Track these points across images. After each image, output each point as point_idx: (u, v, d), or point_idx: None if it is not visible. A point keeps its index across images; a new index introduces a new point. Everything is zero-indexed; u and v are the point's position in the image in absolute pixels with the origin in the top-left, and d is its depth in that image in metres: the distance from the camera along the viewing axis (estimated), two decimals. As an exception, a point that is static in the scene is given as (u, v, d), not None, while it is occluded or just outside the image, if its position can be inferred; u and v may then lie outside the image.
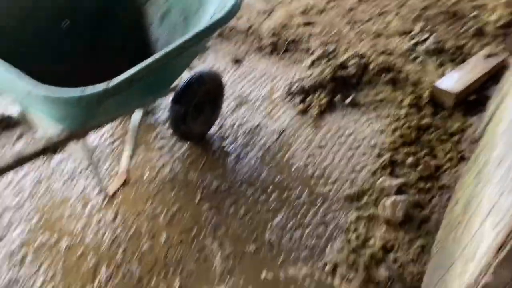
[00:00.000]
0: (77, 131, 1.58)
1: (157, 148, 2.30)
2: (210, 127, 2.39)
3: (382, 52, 2.94)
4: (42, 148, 1.47)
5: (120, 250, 1.78)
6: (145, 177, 2.13)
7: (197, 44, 1.70)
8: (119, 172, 2.07)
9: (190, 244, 1.84)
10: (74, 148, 1.85)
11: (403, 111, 2.49)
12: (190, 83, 2.06)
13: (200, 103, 2.18)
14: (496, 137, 1.45)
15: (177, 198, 2.04)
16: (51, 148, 1.51)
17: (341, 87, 2.68)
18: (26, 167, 2.10)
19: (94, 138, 2.33)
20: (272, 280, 1.72)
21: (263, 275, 1.74)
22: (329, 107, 2.58)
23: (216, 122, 2.43)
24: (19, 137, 2.24)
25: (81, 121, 1.50)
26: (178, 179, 2.13)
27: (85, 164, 2.15)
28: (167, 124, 2.45)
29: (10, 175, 2.05)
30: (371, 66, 2.79)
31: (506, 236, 0.88)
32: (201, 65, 2.88)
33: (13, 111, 2.35)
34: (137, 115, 1.99)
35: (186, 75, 2.09)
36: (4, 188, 1.99)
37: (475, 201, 1.31)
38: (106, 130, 2.40)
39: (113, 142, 2.34)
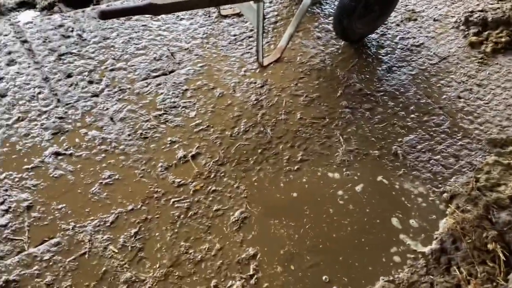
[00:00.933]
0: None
1: (314, 38, 2.37)
2: (371, 32, 2.36)
3: None
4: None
5: (260, 112, 1.99)
6: (297, 59, 2.25)
7: None
8: (277, 47, 2.22)
9: (319, 129, 1.96)
10: (248, 13, 2.01)
11: None
12: (370, -22, 2.01)
13: (371, 3, 2.14)
14: None
15: (319, 87, 2.14)
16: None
17: (530, 30, 2.36)
18: (202, 20, 2.36)
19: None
20: (386, 185, 1.79)
21: (378, 178, 1.81)
22: (506, 48, 2.32)
23: (379, 30, 2.38)
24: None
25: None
26: (325, 71, 2.21)
27: (250, 33, 2.34)
28: (330, 18, 2.48)
29: (188, 23, 2.33)
30: None
31: None
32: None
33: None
34: (307, 0, 2.05)
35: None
36: (183, 31, 2.29)
37: None
38: (271, 10, 2.53)
39: (276, 22, 2.47)
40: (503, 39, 2.32)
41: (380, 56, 2.30)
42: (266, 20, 2.45)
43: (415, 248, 1.59)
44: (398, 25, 2.47)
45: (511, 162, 1.84)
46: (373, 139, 1.95)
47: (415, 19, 2.51)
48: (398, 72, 2.23)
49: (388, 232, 1.63)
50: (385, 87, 2.17)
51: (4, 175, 1.60)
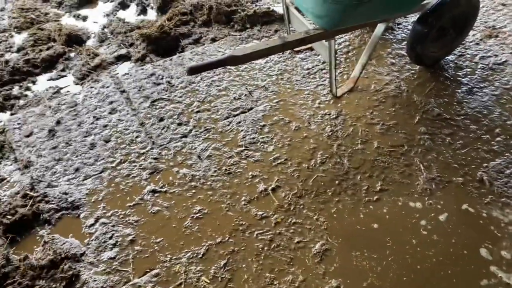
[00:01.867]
0: (329, 30, 1.80)
1: (388, 64, 2.38)
2: (447, 54, 2.31)
3: None
4: (302, 37, 1.75)
5: (336, 143, 2.04)
6: (371, 88, 2.27)
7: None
8: (350, 77, 2.27)
9: (398, 158, 1.95)
10: (320, 48, 2.10)
11: None
12: (442, 3, 2.00)
13: (445, 27, 2.11)
14: None
15: (396, 114, 2.14)
16: (308, 40, 1.78)
17: None
18: (276, 58, 2.50)
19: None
20: (472, 214, 1.73)
21: (463, 207, 1.75)
22: None
23: (456, 51, 2.32)
24: (276, 32, 2.65)
25: (336, 21, 1.70)
26: (401, 98, 2.20)
27: (322, 65, 2.42)
28: (403, 43, 2.48)
29: (263, 62, 2.49)
30: None
31: None
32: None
33: (277, 8, 2.77)
34: (380, 27, 2.09)
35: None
36: (257, 71, 2.45)
37: None
38: (343, 40, 2.59)
39: (348, 52, 2.53)
40: None
41: (459, 78, 2.24)
42: (338, 50, 2.52)
43: (508, 281, 1.51)
44: (477, 43, 2.39)
45: None
46: (455, 165, 1.90)
47: (496, 36, 2.40)
48: (480, 93, 2.15)
49: (477, 263, 1.57)
50: (466, 110, 2.10)
51: (111, 212, 1.83)
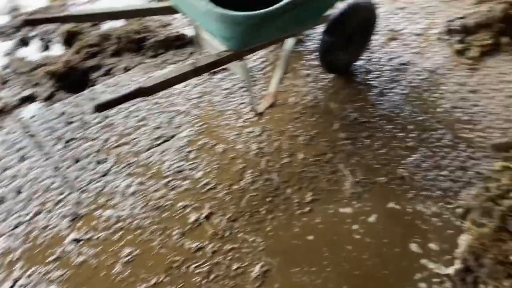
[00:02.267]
0: (239, 50, 1.80)
1: (303, 76, 2.44)
2: (356, 60, 2.42)
3: None
4: (213, 61, 1.73)
5: (263, 160, 2.03)
6: (290, 101, 2.31)
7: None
8: (268, 93, 2.29)
9: (323, 166, 1.99)
10: (235, 68, 2.09)
11: None
12: (344, 13, 2.09)
13: (351, 34, 2.21)
14: None
15: (316, 124, 2.18)
16: (220, 63, 1.76)
17: (511, 28, 2.40)
18: (194, 81, 2.46)
19: (249, 62, 2.57)
20: (399, 211, 1.80)
21: (390, 205, 1.82)
22: (491, 50, 2.35)
23: (364, 55, 2.44)
24: (190, 55, 2.61)
25: (244, 41, 1.70)
26: (319, 107, 2.26)
27: (241, 83, 2.42)
28: (315, 54, 2.55)
29: (181, 86, 2.43)
30: (556, 5, 2.40)
31: None
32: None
33: (188, 32, 2.73)
34: (289, 42, 2.13)
35: (340, 5, 2.12)
36: (176, 97, 2.39)
37: None
38: (259, 56, 2.62)
39: (264, 68, 2.56)
40: (486, 42, 2.35)
41: (370, 82, 2.36)
42: (255, 67, 2.54)
43: (439, 271, 1.58)
44: (382, 47, 2.53)
45: (518, 165, 1.84)
46: (377, 166, 1.97)
47: (398, 37, 2.57)
48: (390, 94, 2.27)
49: (410, 259, 1.64)
50: (380, 111, 2.20)
51: (30, 271, 1.66)
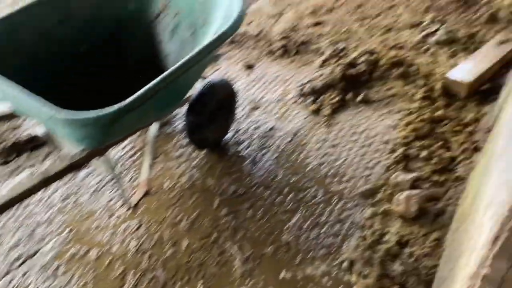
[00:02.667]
0: (97, 148, 1.69)
1: (175, 157, 2.39)
2: (225, 134, 2.47)
3: (393, 47, 2.95)
4: (66, 166, 1.58)
5: (145, 257, 1.88)
6: (165, 186, 2.22)
7: (204, 58, 1.78)
8: (140, 182, 2.18)
9: (210, 249, 1.91)
10: (97, 163, 1.95)
11: (415, 105, 2.49)
12: (201, 93, 2.14)
13: (213, 112, 2.26)
14: (501, 128, 1.46)
15: (196, 204, 2.12)
16: (75, 166, 1.62)
17: (352, 85, 2.71)
18: (55, 184, 2.23)
19: (116, 151, 2.45)
20: (291, 279, 1.78)
21: (281, 275, 1.80)
22: (341, 106, 2.61)
23: (231, 128, 2.50)
24: (47, 155, 2.39)
25: (100, 140, 1.60)
26: (197, 186, 2.22)
27: (109, 177, 2.27)
28: (183, 134, 2.54)
29: (40, 192, 2.18)
30: (381, 62, 2.80)
31: (500, 228, 0.91)
32: (214, 73, 2.96)
33: (39, 131, 2.51)
34: (153, 127, 2.09)
35: (199, 85, 2.17)
36: (36, 205, 2.13)
37: (482, 191, 1.33)
38: (127, 143, 2.51)
39: (134, 154, 2.45)
40: (334, 100, 2.61)
41: (241, 152, 2.41)
42: (122, 156, 2.42)
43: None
44: (247, 117, 2.64)
45: (385, 208, 1.99)
46: (263, 235, 1.96)
47: (259, 107, 2.71)
48: (262, 162, 2.34)
49: (310, 328, 1.60)
50: (256, 179, 2.24)
51: None
